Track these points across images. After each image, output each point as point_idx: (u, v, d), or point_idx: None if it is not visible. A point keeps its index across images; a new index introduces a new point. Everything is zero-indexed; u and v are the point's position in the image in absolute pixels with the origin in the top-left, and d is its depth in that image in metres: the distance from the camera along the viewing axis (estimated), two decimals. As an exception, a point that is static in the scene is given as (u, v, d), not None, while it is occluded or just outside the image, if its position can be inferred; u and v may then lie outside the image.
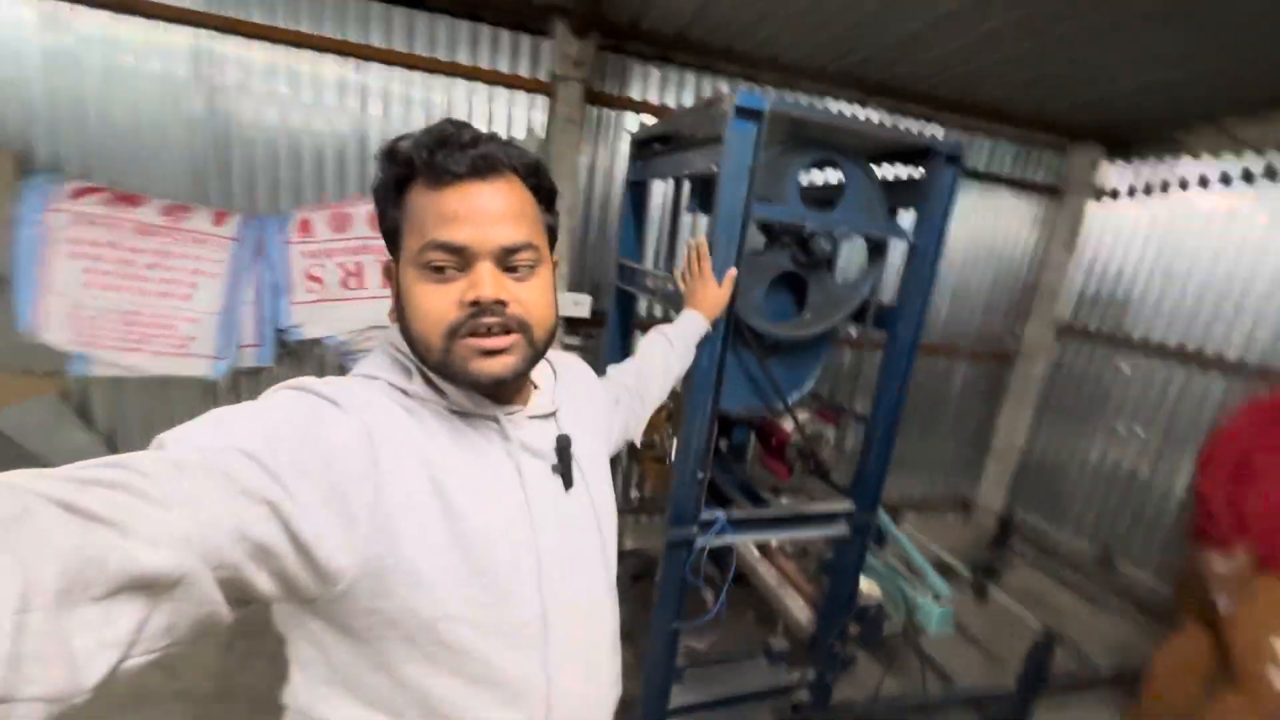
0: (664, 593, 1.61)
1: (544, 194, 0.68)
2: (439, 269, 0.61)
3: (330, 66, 2.49)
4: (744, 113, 1.29)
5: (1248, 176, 2.89)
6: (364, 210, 2.53)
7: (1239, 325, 2.87)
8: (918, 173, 1.62)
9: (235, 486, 0.45)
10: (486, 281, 0.60)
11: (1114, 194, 3.50)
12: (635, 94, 2.87)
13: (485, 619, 0.61)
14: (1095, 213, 3.58)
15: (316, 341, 2.57)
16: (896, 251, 1.79)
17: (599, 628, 0.75)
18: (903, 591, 2.24)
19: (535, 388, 0.75)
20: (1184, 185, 3.15)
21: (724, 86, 2.97)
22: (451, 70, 2.58)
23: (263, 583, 0.47)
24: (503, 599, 0.62)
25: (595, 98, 2.77)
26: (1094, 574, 3.31)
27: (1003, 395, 3.91)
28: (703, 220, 2.76)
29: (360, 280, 2.56)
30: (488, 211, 0.61)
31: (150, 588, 0.37)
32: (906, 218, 1.69)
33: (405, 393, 0.63)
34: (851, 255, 3.08)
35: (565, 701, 0.67)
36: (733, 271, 1.39)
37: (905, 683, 2.35)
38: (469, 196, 0.60)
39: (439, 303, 0.61)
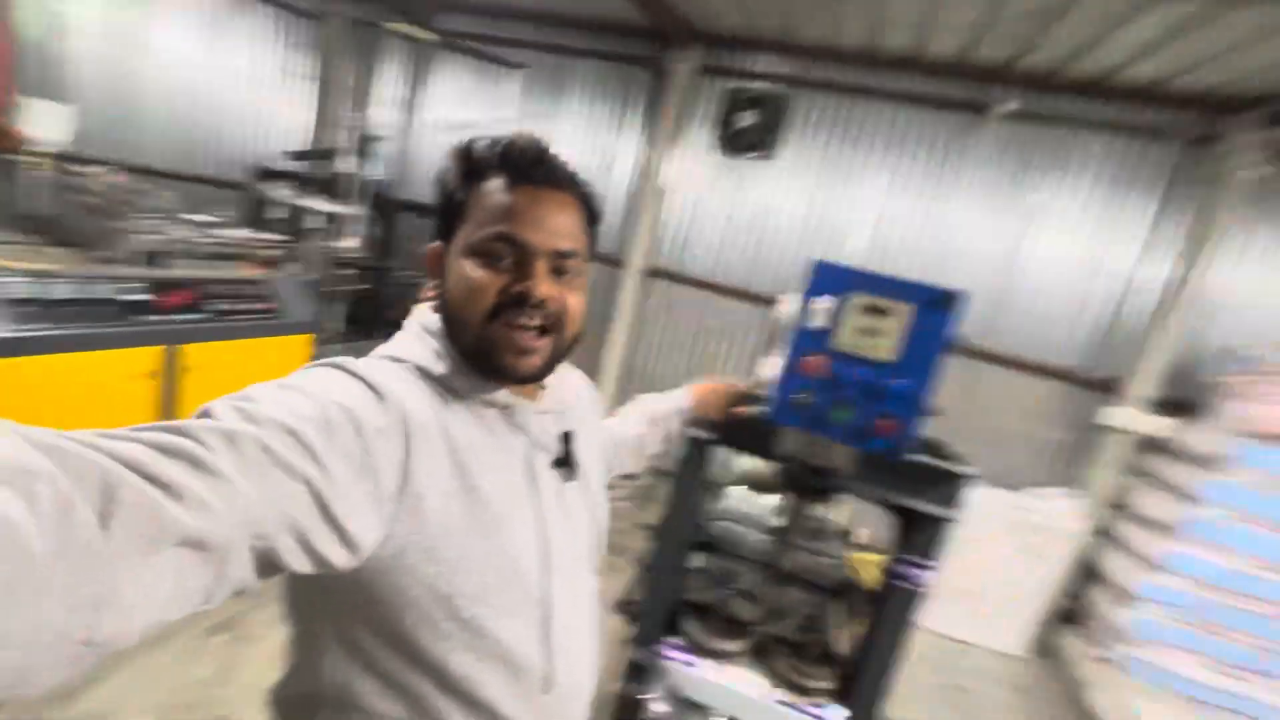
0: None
1: (593, 216, 0.74)
2: (495, 257, 0.65)
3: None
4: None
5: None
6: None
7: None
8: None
9: (278, 462, 0.46)
10: (540, 279, 0.65)
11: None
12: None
13: (498, 599, 0.64)
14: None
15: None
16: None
17: (588, 617, 0.79)
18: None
19: (542, 386, 0.78)
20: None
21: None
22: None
23: (294, 556, 0.48)
24: (513, 580, 0.66)
25: None
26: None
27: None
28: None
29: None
30: (552, 217, 0.66)
31: (196, 551, 0.39)
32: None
33: (432, 376, 0.66)
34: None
35: (559, 681, 0.71)
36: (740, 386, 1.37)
37: None
38: (539, 201, 0.66)
39: (487, 286, 0.65)
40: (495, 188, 0.66)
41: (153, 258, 2.19)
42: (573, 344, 0.72)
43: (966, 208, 3.57)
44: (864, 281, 1.16)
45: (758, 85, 3.80)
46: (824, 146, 3.76)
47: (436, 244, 0.72)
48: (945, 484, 1.27)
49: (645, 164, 4.06)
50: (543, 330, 0.67)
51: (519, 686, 0.67)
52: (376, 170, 3.20)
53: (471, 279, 0.65)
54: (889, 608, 1.33)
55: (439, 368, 0.66)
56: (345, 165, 2.97)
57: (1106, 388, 3.39)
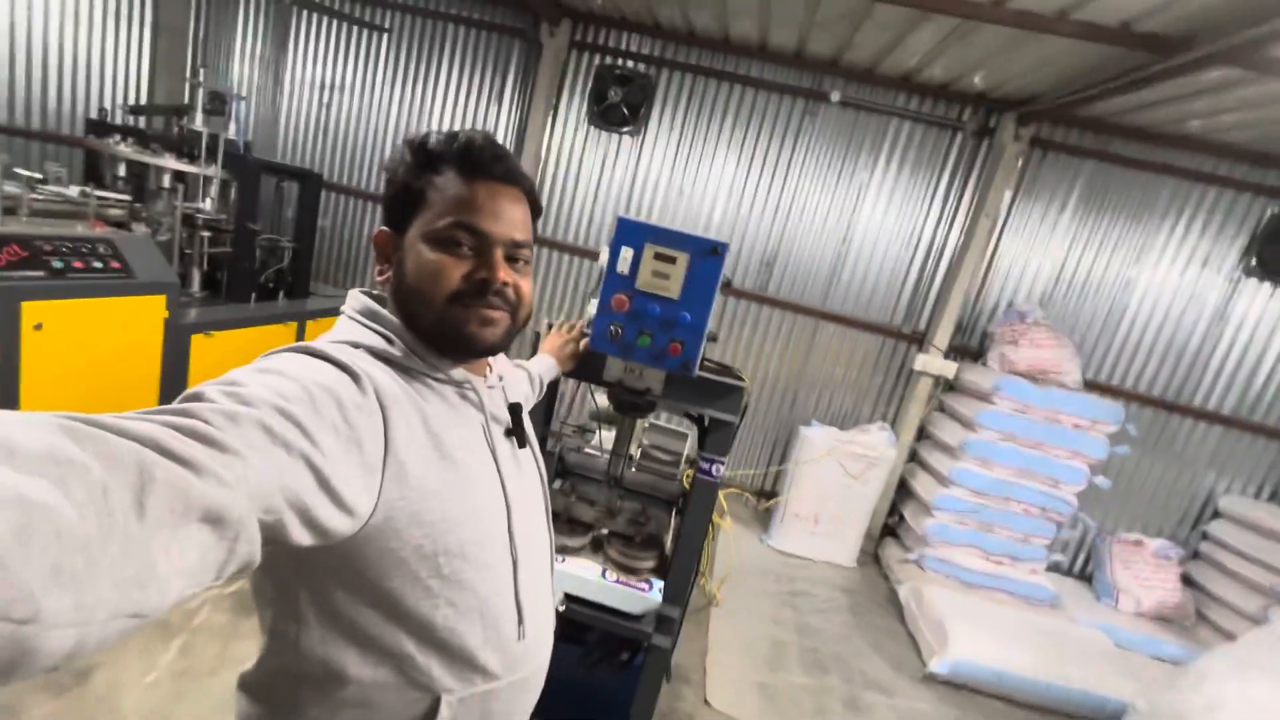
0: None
1: (536, 210, 0.80)
2: (455, 244, 0.70)
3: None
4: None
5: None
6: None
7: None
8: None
9: (277, 440, 0.48)
10: (501, 265, 0.72)
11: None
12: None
13: (476, 555, 0.69)
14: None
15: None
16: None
17: (547, 569, 0.87)
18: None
19: (489, 366, 0.85)
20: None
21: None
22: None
23: (295, 528, 0.50)
24: (487, 538, 0.71)
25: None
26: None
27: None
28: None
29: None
30: (507, 210, 0.73)
31: (215, 525, 0.41)
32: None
33: (388, 358, 0.69)
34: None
35: (529, 631, 0.77)
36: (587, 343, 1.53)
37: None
38: (496, 195, 0.72)
39: (449, 270, 0.70)
40: (454, 180, 0.71)
41: (-28, 212, 2.07)
42: (525, 323, 0.79)
43: (808, 184, 4.07)
44: (655, 235, 1.46)
45: (627, 64, 4.05)
46: (684, 124, 4.10)
47: (385, 229, 0.75)
48: (728, 395, 1.62)
49: (519, 133, 4.20)
50: (503, 307, 0.73)
51: (496, 635, 0.72)
52: (231, 130, 3.10)
53: (433, 264, 0.70)
54: (695, 497, 1.67)
55: (394, 350, 0.69)
56: (194, 123, 2.87)
57: (916, 339, 4.06)
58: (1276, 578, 3.41)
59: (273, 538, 0.48)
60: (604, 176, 4.25)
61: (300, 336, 3.31)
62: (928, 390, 3.98)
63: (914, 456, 4.08)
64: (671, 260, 1.45)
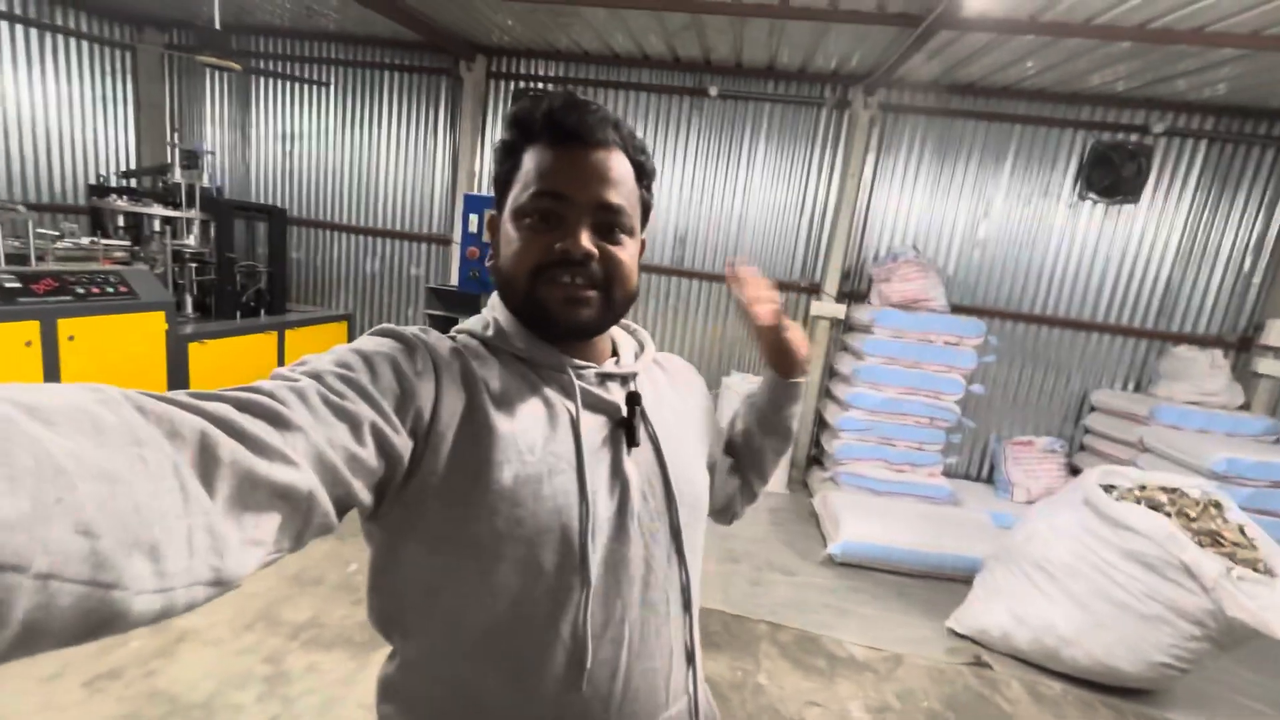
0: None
1: (644, 172, 0.71)
2: (539, 216, 0.64)
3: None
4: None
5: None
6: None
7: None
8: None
9: (344, 414, 0.50)
10: (584, 233, 0.64)
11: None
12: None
13: (515, 553, 0.59)
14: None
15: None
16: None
17: (658, 614, 0.67)
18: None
19: (616, 355, 0.76)
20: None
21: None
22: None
23: (363, 495, 0.51)
24: (535, 536, 0.60)
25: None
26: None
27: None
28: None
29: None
30: (594, 171, 0.64)
31: (286, 499, 0.43)
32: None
33: (482, 341, 0.67)
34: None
35: (605, 681, 0.62)
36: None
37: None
38: (579, 157, 0.64)
39: (530, 245, 0.64)
40: (541, 149, 0.65)
41: (12, 260, 2.74)
42: (625, 302, 0.69)
43: (703, 168, 4.71)
44: (487, 202, 2.09)
45: (537, 86, 4.73)
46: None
47: (493, 213, 0.72)
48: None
49: (453, 159, 4.88)
50: (590, 284, 0.65)
51: (548, 661, 0.60)
52: (203, 180, 3.79)
53: (515, 239, 0.65)
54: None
55: (486, 332, 0.68)
56: (175, 177, 3.56)
57: (814, 290, 4.67)
58: (1135, 451, 3.97)
59: (346, 506, 0.50)
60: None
61: (281, 344, 3.97)
62: (826, 332, 4.58)
63: (828, 394, 4.67)
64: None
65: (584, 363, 0.69)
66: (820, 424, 4.70)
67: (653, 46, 4.24)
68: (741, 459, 0.96)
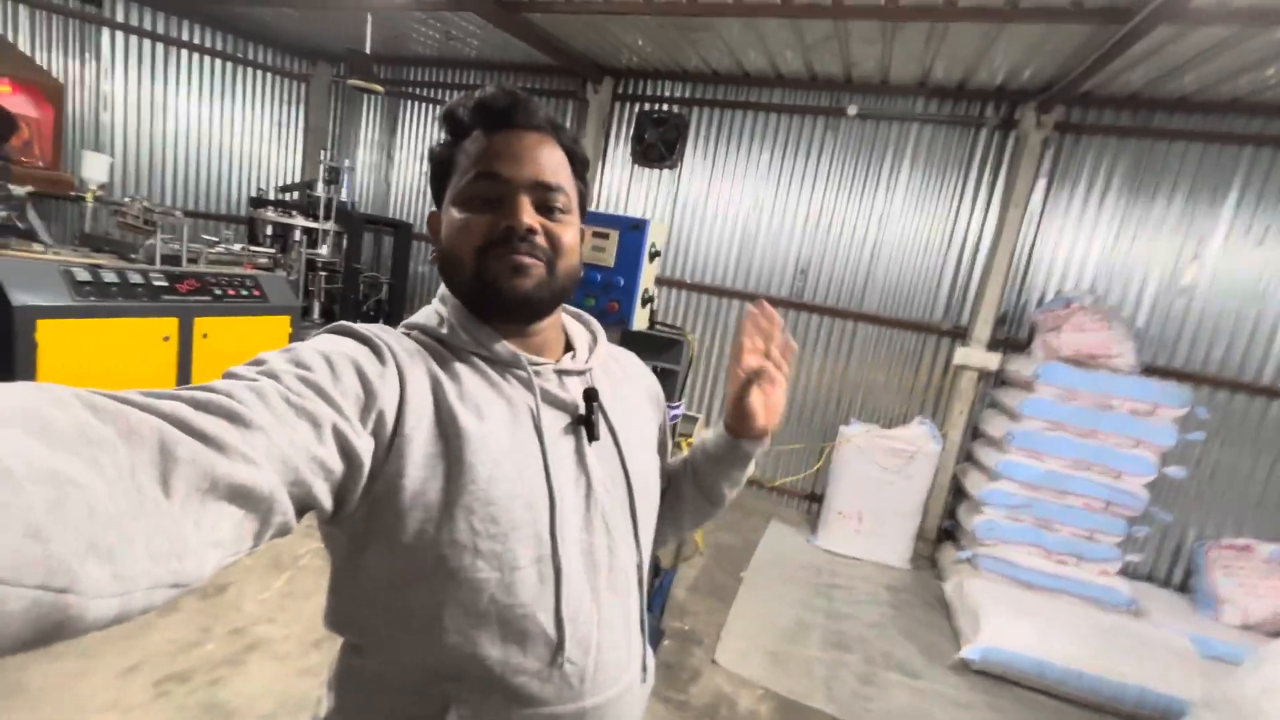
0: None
1: (577, 161, 0.72)
2: (480, 199, 0.65)
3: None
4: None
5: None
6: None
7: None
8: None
9: (302, 412, 0.49)
10: (526, 210, 0.65)
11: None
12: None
13: (492, 549, 0.60)
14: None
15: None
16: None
17: (620, 593, 0.71)
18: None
19: (571, 351, 0.76)
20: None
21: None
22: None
23: (324, 496, 0.51)
24: (510, 532, 0.61)
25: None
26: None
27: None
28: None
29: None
30: (528, 152, 0.66)
31: (245, 499, 0.42)
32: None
33: (438, 340, 0.67)
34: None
35: (577, 658, 0.64)
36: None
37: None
38: (513, 139, 0.66)
39: (475, 225, 0.65)
40: (477, 138, 0.67)
41: (168, 260, 3.00)
42: (569, 279, 0.70)
43: (834, 193, 4.29)
44: (591, 218, 1.88)
45: (662, 108, 4.60)
46: (716, 153, 4.52)
47: (433, 210, 0.72)
48: (671, 348, 1.97)
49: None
50: (533, 255, 0.66)
51: (524, 652, 0.62)
52: (342, 194, 4.03)
53: (460, 221, 0.66)
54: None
55: (441, 329, 0.67)
56: (318, 192, 3.81)
57: (959, 334, 4.04)
58: None
59: (305, 506, 0.49)
60: (647, 207, 4.76)
61: (394, 354, 4.09)
62: (972, 385, 3.91)
63: (970, 457, 3.98)
64: (605, 236, 1.86)
65: (542, 360, 0.71)
66: (957, 493, 4.00)
67: (788, 64, 3.94)
68: (664, 500, 0.89)
